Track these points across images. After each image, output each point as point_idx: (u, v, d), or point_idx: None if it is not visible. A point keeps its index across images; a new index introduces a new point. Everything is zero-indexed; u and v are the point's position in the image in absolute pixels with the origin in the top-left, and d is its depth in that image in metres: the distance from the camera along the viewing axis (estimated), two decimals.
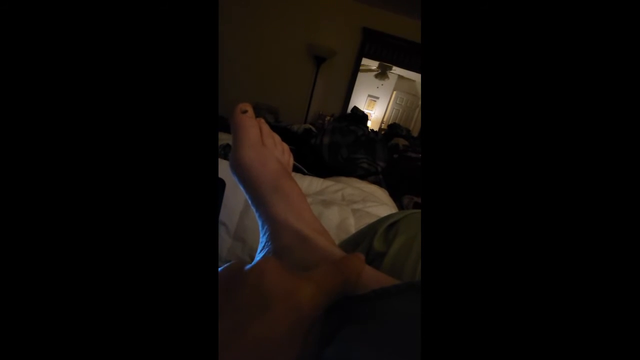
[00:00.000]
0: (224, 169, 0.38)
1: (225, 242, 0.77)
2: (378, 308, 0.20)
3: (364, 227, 0.41)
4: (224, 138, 1.25)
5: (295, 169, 1.20)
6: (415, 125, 4.25)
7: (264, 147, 0.33)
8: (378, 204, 0.97)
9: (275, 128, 0.66)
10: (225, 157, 0.57)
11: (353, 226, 0.78)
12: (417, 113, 4.34)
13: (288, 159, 0.37)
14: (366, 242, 0.37)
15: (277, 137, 0.36)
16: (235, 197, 0.76)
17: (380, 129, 4.28)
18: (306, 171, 1.26)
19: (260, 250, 0.28)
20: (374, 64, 3.87)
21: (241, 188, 0.32)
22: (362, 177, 1.39)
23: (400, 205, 1.46)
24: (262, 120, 0.36)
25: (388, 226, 0.37)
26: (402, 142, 2.28)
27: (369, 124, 3.56)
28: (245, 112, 0.33)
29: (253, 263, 0.20)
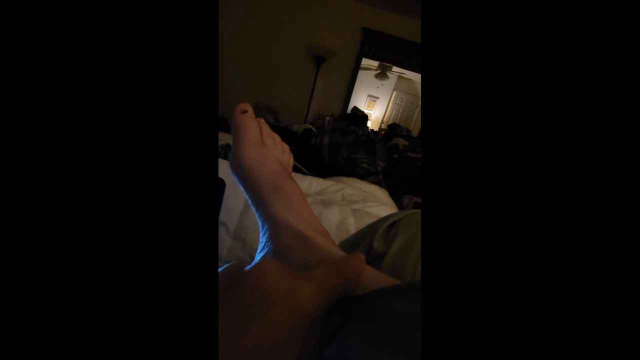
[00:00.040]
0: (224, 169, 0.38)
1: (225, 242, 0.77)
2: (378, 308, 0.20)
3: (364, 227, 0.41)
4: (224, 138, 1.25)
5: (295, 169, 1.20)
6: (415, 125, 4.25)
7: (264, 147, 0.33)
8: (378, 204, 0.97)
9: (275, 128, 0.66)
10: (225, 157, 0.57)
11: (353, 226, 0.78)
12: (417, 113, 4.34)
13: (288, 159, 0.37)
14: (366, 242, 0.37)
15: (277, 137, 0.36)
16: (235, 197, 0.76)
17: (380, 129, 4.28)
18: (306, 171, 1.26)
19: (260, 250, 0.28)
20: (374, 64, 3.87)
21: (241, 188, 0.32)
22: (362, 177, 1.39)
23: (400, 205, 1.46)
24: (262, 120, 0.36)
25: (388, 226, 0.37)
26: (402, 142, 2.28)
27: (369, 124, 3.56)
28: (245, 112, 0.33)
29: (253, 263, 0.21)
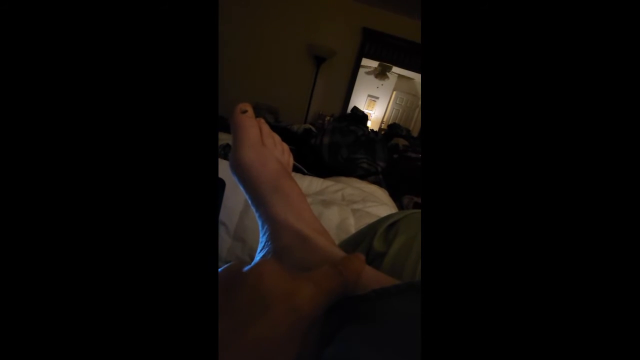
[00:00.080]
0: (224, 169, 0.38)
1: (225, 242, 0.77)
2: (378, 308, 0.20)
3: (364, 227, 0.41)
4: (224, 138, 1.25)
5: (295, 169, 1.20)
6: (415, 125, 4.24)
7: (264, 147, 0.33)
8: (378, 204, 0.97)
9: (275, 128, 0.66)
10: (225, 157, 0.57)
11: (353, 226, 0.78)
12: (417, 113, 4.34)
13: (288, 159, 0.37)
14: (366, 242, 0.37)
15: (277, 137, 0.36)
16: (235, 197, 0.76)
17: (380, 129, 4.28)
18: (306, 171, 1.26)
19: (260, 250, 0.28)
20: (374, 64, 3.87)
21: (241, 188, 0.32)
22: (362, 177, 1.39)
23: (400, 205, 1.46)
24: (262, 120, 0.36)
25: (388, 226, 0.37)
26: (402, 142, 2.28)
27: (369, 124, 3.56)
28: (245, 112, 0.33)
29: (252, 264, 0.21)
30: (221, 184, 0.64)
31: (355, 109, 2.15)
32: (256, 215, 0.31)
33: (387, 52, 3.07)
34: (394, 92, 4.39)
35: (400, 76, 4.20)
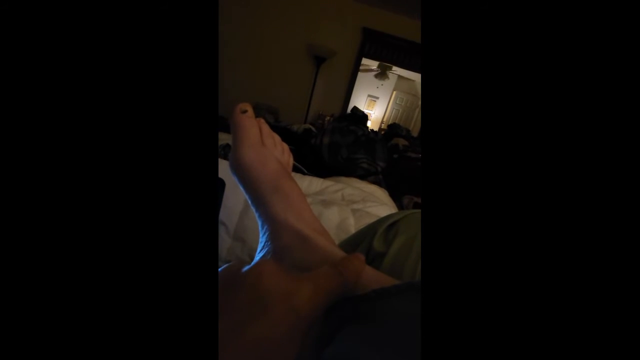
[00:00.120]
0: (224, 169, 0.38)
1: (225, 242, 0.77)
2: (378, 308, 0.20)
3: (364, 227, 0.41)
4: (224, 138, 1.25)
5: (295, 169, 1.20)
6: (415, 125, 4.25)
7: (264, 147, 0.33)
8: (378, 204, 0.97)
9: (275, 128, 0.66)
10: (225, 157, 0.57)
11: (353, 226, 0.78)
12: (417, 113, 4.34)
13: (288, 159, 0.37)
14: (366, 242, 0.37)
15: (277, 137, 0.36)
16: (235, 197, 0.76)
17: (380, 129, 4.28)
18: (306, 171, 1.26)
19: (260, 250, 0.28)
20: (374, 64, 3.87)
21: (241, 188, 0.32)
22: (362, 177, 1.39)
23: (400, 205, 1.46)
24: (262, 120, 0.36)
25: (388, 226, 0.37)
26: (402, 142, 2.28)
27: (369, 124, 3.56)
28: (245, 112, 0.33)
29: (251, 264, 0.20)
30: (221, 184, 0.64)
31: (355, 109, 2.15)
32: (256, 215, 0.31)
33: (387, 52, 3.07)
34: (394, 92, 4.39)
35: (400, 76, 4.20)
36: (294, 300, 0.18)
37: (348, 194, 1.03)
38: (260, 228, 0.30)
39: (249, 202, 0.32)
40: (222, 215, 0.76)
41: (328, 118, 3.02)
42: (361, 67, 3.10)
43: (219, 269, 0.21)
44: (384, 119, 4.49)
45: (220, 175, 0.52)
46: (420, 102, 4.10)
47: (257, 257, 0.28)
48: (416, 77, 4.01)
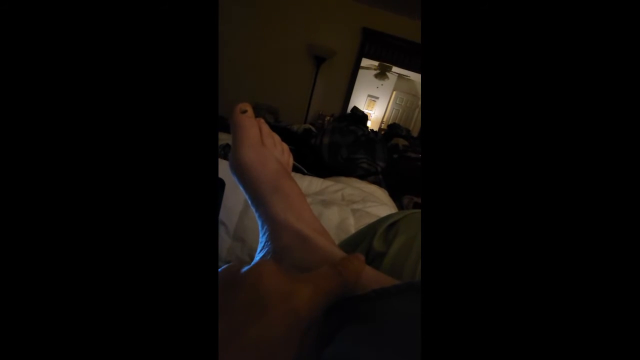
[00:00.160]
0: (224, 169, 0.38)
1: (224, 242, 0.77)
2: (378, 308, 0.20)
3: (364, 227, 0.41)
4: (224, 138, 1.25)
5: (295, 169, 1.20)
6: (415, 125, 4.24)
7: (264, 147, 0.33)
8: (378, 204, 0.97)
9: (275, 128, 0.66)
10: (225, 157, 0.57)
11: (353, 226, 0.78)
12: (417, 113, 4.34)
13: (288, 159, 0.37)
14: (366, 242, 0.37)
15: (276, 137, 0.36)
16: (235, 197, 0.76)
17: (380, 129, 4.28)
18: (306, 171, 1.26)
19: (260, 250, 0.28)
20: (373, 64, 3.87)
21: (241, 188, 0.32)
22: (362, 177, 1.39)
23: (400, 205, 1.46)
24: (262, 120, 0.36)
25: (388, 226, 0.37)
26: (402, 142, 2.28)
27: (369, 124, 3.56)
28: (244, 112, 0.33)
29: (251, 265, 0.20)
30: (221, 184, 0.64)
31: (355, 109, 2.15)
32: (256, 215, 0.31)
33: (387, 52, 3.07)
34: (394, 92, 4.39)
35: (400, 76, 4.20)
36: (293, 300, 0.18)
37: (348, 194, 1.03)
38: (260, 228, 0.30)
39: (249, 202, 0.32)
40: (222, 215, 0.76)
41: (328, 118, 3.02)
42: (361, 67, 3.10)
43: (219, 270, 0.21)
44: (384, 119, 4.49)
45: (220, 175, 0.52)
46: (420, 102, 4.10)
47: (257, 257, 0.28)
48: (416, 77, 4.01)
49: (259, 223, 0.30)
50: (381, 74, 4.09)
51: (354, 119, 1.75)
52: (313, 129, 2.00)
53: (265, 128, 0.35)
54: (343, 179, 1.29)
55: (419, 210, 0.39)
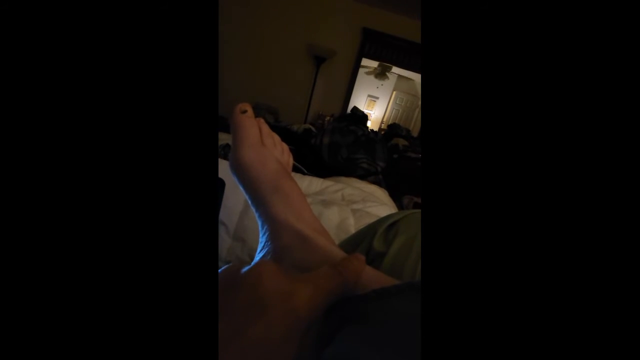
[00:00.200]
0: (224, 169, 0.38)
1: (224, 242, 0.77)
2: (378, 308, 0.20)
3: (364, 227, 0.41)
4: (224, 138, 1.25)
5: (295, 169, 1.20)
6: (415, 125, 4.24)
7: (264, 147, 0.33)
8: (378, 204, 0.97)
9: (275, 128, 0.66)
10: (225, 157, 0.57)
11: (353, 226, 0.78)
12: (417, 113, 4.34)
13: (288, 159, 0.37)
14: (366, 242, 0.37)
15: (276, 137, 0.36)
16: (235, 197, 0.76)
17: (380, 129, 4.28)
18: (306, 171, 1.26)
19: (260, 250, 0.28)
20: (374, 64, 3.87)
21: (241, 188, 0.32)
22: (362, 177, 1.39)
23: (400, 205, 1.46)
24: (262, 120, 0.36)
25: (388, 226, 0.37)
26: (402, 142, 2.28)
27: (369, 124, 3.56)
28: (244, 112, 0.33)
29: (250, 265, 0.20)
30: (221, 184, 0.64)
31: (355, 109, 2.16)
32: (256, 215, 0.31)
33: (387, 52, 3.07)
34: (394, 92, 4.39)
35: (400, 76, 4.20)
36: (293, 300, 0.18)
37: (348, 194, 1.03)
38: (260, 228, 0.30)
39: (249, 202, 0.32)
40: (222, 215, 0.76)
41: (328, 118, 3.02)
42: (361, 67, 3.10)
43: (219, 270, 0.21)
44: (384, 119, 4.49)
45: (220, 175, 0.52)
46: (420, 102, 4.10)
47: (257, 257, 0.28)
48: (416, 77, 4.01)
49: (259, 223, 0.30)
50: (381, 74, 4.09)
51: (354, 119, 1.75)
52: (313, 129, 2.00)
53: (265, 128, 0.35)
54: (343, 179, 1.29)
55: (419, 210, 0.39)
